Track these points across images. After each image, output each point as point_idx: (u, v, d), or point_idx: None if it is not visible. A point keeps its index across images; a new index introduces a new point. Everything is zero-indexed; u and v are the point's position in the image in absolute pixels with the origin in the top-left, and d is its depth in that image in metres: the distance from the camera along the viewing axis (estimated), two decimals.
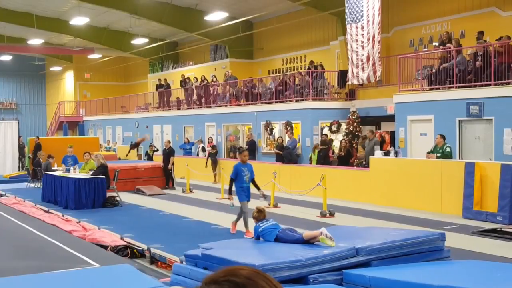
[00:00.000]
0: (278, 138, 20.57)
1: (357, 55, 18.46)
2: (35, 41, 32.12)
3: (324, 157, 18.65)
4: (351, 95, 20.81)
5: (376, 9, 17.59)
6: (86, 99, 40.04)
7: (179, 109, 28.67)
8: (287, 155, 18.64)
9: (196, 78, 27.21)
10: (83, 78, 40.09)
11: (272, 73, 26.41)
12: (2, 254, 9.52)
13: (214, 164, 21.47)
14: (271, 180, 14.59)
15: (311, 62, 22.14)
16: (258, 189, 10.50)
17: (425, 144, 15.38)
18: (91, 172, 15.50)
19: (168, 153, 19.50)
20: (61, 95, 41.94)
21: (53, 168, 18.04)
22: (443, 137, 13.88)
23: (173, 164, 19.32)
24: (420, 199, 13.40)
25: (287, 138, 20.33)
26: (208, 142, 23.91)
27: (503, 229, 10.68)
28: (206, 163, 21.68)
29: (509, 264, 7.42)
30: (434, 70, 16.33)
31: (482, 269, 6.68)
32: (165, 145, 20.59)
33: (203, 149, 24.36)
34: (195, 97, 27.31)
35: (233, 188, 10.37)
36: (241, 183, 10.28)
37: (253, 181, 10.43)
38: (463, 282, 5.75)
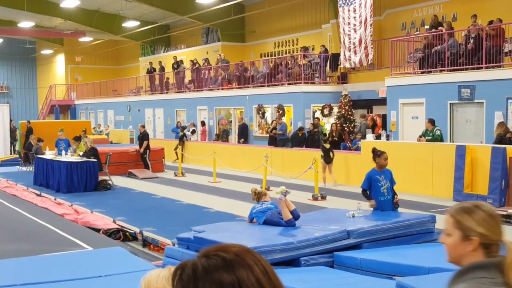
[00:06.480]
0: (272, 121, 20.52)
1: (349, 38, 18.41)
2: (26, 24, 31.73)
3: (314, 140, 18.69)
4: (343, 78, 20.79)
5: None
6: (78, 82, 39.77)
7: (167, 92, 28.53)
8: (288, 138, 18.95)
9: (193, 62, 26.95)
10: (74, 61, 39.79)
11: (264, 56, 26.33)
12: None
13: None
14: (263, 163, 14.63)
15: (305, 48, 21.80)
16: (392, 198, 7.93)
17: (417, 127, 15.43)
18: (81, 154, 15.50)
19: (142, 138, 19.04)
20: (52, 78, 41.62)
21: (44, 151, 17.98)
22: (431, 121, 13.93)
23: (147, 148, 18.71)
24: (411, 182, 13.47)
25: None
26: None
27: None
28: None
29: None
30: (423, 54, 16.24)
31: None
32: (139, 129, 20.30)
33: (193, 132, 24.39)
34: (187, 81, 27.18)
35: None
36: (377, 195, 7.87)
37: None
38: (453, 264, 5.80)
